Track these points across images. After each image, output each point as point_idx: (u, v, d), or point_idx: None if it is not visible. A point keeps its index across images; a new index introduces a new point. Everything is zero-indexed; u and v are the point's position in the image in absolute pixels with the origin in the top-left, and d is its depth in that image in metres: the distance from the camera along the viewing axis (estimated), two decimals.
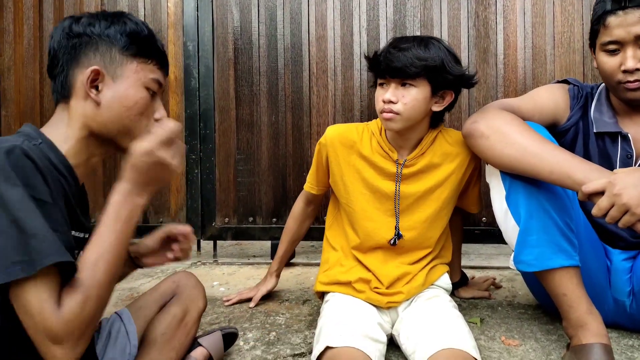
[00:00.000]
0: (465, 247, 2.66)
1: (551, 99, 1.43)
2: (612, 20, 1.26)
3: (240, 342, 1.47)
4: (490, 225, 2.11)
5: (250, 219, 2.32)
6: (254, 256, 2.56)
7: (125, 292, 1.94)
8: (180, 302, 1.24)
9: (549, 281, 1.27)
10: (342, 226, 1.54)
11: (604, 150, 1.39)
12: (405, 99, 1.32)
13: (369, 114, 2.20)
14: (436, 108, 1.38)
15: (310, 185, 1.65)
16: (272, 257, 2.00)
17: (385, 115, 1.34)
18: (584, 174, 1.11)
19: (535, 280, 1.40)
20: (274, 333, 1.53)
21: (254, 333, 1.53)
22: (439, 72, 1.33)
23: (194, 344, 1.30)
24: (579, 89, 1.44)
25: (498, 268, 2.14)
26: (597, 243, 1.41)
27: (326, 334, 1.24)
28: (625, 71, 1.27)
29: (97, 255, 0.86)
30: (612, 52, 1.29)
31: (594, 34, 1.34)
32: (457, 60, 1.39)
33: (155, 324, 1.20)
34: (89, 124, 0.99)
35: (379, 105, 1.37)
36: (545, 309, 1.64)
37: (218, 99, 2.33)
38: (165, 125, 0.94)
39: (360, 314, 1.32)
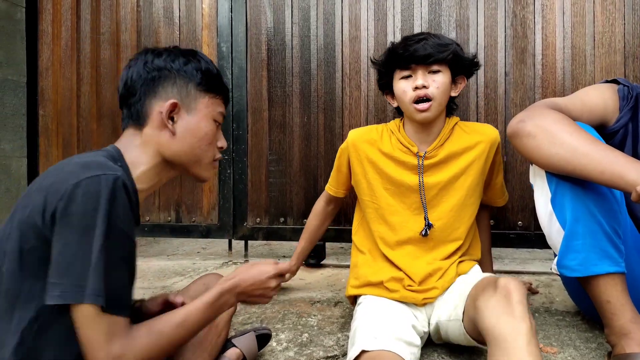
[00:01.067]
0: (499, 251, 2.63)
1: (600, 98, 1.38)
2: None
3: (273, 342, 1.47)
4: (526, 229, 2.07)
5: (282, 219, 2.33)
6: (284, 257, 2.56)
7: (157, 290, 1.97)
8: None
9: (592, 287, 1.22)
10: (369, 228, 1.54)
11: None
12: (436, 83, 1.41)
13: None
14: (454, 93, 1.51)
15: (330, 187, 1.70)
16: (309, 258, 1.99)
17: (421, 106, 1.41)
18: (638, 173, 1.07)
19: (577, 286, 1.36)
20: (306, 335, 1.52)
21: (287, 334, 1.53)
22: (458, 58, 1.46)
23: (227, 344, 1.31)
24: (629, 89, 1.39)
25: (534, 273, 2.09)
26: None
27: (361, 337, 1.23)
28: None
29: (172, 325, 0.96)
30: None
31: None
32: (463, 51, 1.54)
33: None
34: (162, 151, 1.07)
35: (409, 95, 1.42)
36: (585, 315, 1.59)
37: (251, 99, 2.34)
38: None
39: (394, 316, 1.31)
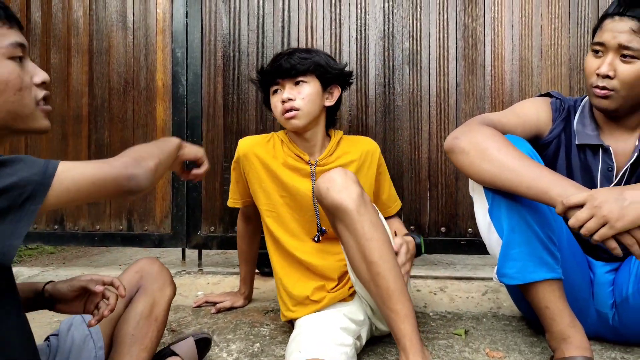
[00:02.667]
0: (451, 257, 2.68)
1: (534, 111, 1.44)
2: (606, 22, 1.29)
3: (223, 353, 1.45)
4: (476, 236, 2.11)
5: (237, 228, 2.30)
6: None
7: None
8: (147, 295, 1.19)
9: (531, 294, 1.26)
10: (277, 241, 1.56)
11: (585, 162, 1.39)
12: (301, 94, 1.50)
13: (358, 123, 2.20)
14: (328, 103, 1.58)
15: (232, 201, 1.72)
16: (257, 267, 1.98)
17: (287, 115, 1.50)
18: (561, 189, 1.11)
19: (519, 293, 1.40)
20: (257, 345, 1.51)
21: (238, 344, 1.51)
22: (324, 68, 1.53)
23: (166, 351, 1.27)
24: (561, 102, 1.46)
25: (483, 279, 2.14)
26: (580, 256, 1.42)
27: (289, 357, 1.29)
28: (598, 75, 1.29)
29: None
30: (597, 54, 1.31)
31: (594, 33, 1.36)
32: (336, 61, 1.62)
33: (122, 325, 1.15)
34: None
35: (278, 108, 1.52)
36: (529, 321, 1.64)
37: (206, 106, 2.32)
38: None
39: (322, 327, 1.35)
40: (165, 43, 2.37)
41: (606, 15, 1.30)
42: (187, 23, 2.32)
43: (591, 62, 1.32)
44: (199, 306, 1.84)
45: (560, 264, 1.25)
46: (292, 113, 1.49)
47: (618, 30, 1.25)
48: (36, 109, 0.91)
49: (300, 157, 1.57)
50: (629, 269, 1.37)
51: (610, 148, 1.36)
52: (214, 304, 1.82)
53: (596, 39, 1.32)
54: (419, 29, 2.17)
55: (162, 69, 2.37)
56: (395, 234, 1.50)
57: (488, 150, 1.22)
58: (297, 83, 1.51)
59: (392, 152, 2.17)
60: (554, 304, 1.24)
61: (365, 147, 1.63)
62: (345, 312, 1.41)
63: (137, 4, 2.39)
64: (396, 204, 1.73)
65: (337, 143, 1.62)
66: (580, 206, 1.08)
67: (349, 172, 1.29)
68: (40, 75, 0.92)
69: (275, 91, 1.55)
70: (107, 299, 1.04)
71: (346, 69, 1.61)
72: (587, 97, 1.45)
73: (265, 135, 1.63)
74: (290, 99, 1.49)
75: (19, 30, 0.90)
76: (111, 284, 1.05)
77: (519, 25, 2.11)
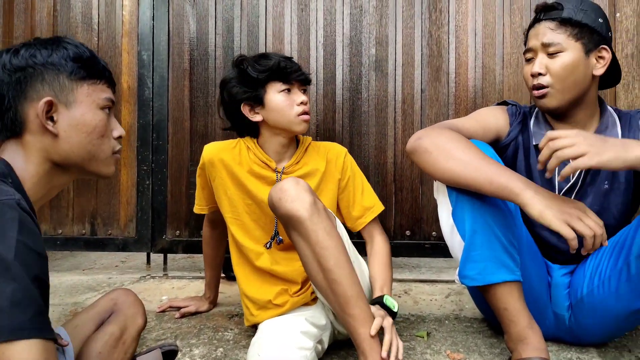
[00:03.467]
0: (417, 260, 2.71)
1: (492, 117, 1.49)
2: (530, 32, 1.42)
3: (186, 358, 1.44)
4: (440, 240, 2.15)
5: (202, 233, 2.28)
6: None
7: (68, 307, 1.88)
8: (118, 320, 1.21)
9: (491, 295, 1.29)
10: (240, 250, 1.57)
11: None
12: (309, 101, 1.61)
13: (325, 128, 2.21)
14: None
15: (199, 207, 1.71)
16: (223, 271, 1.97)
17: (305, 117, 1.55)
18: (521, 183, 1.15)
19: (480, 295, 1.44)
20: (221, 349, 1.50)
21: (201, 349, 1.50)
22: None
23: None
24: (516, 107, 1.52)
25: (447, 281, 2.18)
26: (539, 259, 1.46)
27: None
28: (532, 76, 1.39)
29: None
30: (528, 61, 1.42)
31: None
32: None
33: (91, 343, 1.16)
34: (50, 157, 0.97)
35: (293, 109, 1.54)
36: (490, 322, 1.67)
37: (172, 109, 2.30)
38: None
39: (283, 330, 1.36)
40: (131, 45, 2.34)
41: (529, 29, 1.44)
42: (153, 26, 2.31)
43: (526, 70, 1.42)
44: (163, 311, 1.82)
45: (519, 266, 1.29)
46: (308, 116, 1.56)
47: (540, 32, 1.37)
48: (111, 157, 1.05)
49: (266, 163, 1.57)
50: (583, 271, 1.42)
51: None
52: (179, 308, 1.80)
53: (525, 48, 1.43)
54: (385, 36, 2.20)
55: (127, 71, 2.34)
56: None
57: (452, 149, 1.25)
58: (303, 90, 1.58)
59: (359, 157, 2.19)
60: (512, 306, 1.27)
61: (332, 154, 1.65)
62: (307, 317, 1.41)
63: (103, 5, 2.36)
64: (373, 209, 1.66)
65: (305, 150, 1.63)
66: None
67: (301, 181, 1.29)
68: (119, 130, 1.07)
69: (288, 90, 1.55)
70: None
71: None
72: None
73: (231, 140, 1.62)
74: (306, 103, 1.56)
75: (113, 90, 1.07)
76: None
77: (482, 34, 2.16)
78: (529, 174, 1.46)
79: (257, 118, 1.57)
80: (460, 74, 2.17)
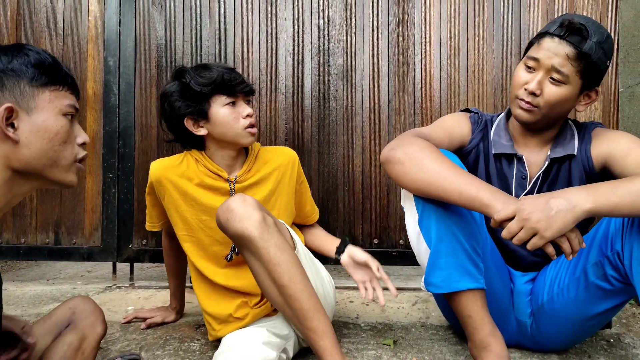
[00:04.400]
0: (386, 268, 2.71)
1: (456, 125, 1.53)
2: (546, 41, 1.33)
3: None
4: (407, 248, 2.18)
5: (162, 243, 2.26)
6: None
7: (31, 318, 1.83)
8: (77, 329, 1.19)
9: (456, 303, 1.32)
10: (196, 268, 1.56)
11: (501, 170, 1.49)
12: (254, 112, 1.57)
13: (293, 137, 2.22)
14: None
15: (150, 225, 1.70)
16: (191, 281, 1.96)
17: (252, 130, 1.53)
18: (489, 195, 1.18)
19: (446, 302, 1.46)
20: None
21: None
22: None
23: None
24: (478, 115, 1.56)
25: (414, 289, 2.21)
26: (502, 266, 1.50)
27: None
28: (525, 90, 1.35)
29: None
30: (529, 69, 1.36)
31: (529, 46, 1.41)
32: None
33: (48, 355, 1.13)
34: (11, 164, 0.96)
35: (239, 122, 1.52)
36: (455, 330, 1.70)
37: (139, 116, 2.27)
38: None
39: (245, 343, 1.36)
40: (97, 51, 2.31)
41: (546, 34, 1.35)
42: (120, 31, 2.28)
43: (522, 74, 1.37)
44: (129, 322, 1.79)
45: (483, 274, 1.32)
46: (255, 129, 1.54)
47: (555, 51, 1.30)
48: (72, 165, 1.03)
49: (218, 174, 1.54)
50: (544, 278, 1.47)
51: (523, 157, 1.46)
52: (145, 319, 1.78)
53: (532, 53, 1.36)
54: (353, 46, 2.22)
55: (93, 77, 2.31)
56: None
57: (422, 160, 1.27)
58: (248, 101, 1.56)
59: (327, 165, 2.21)
60: (476, 313, 1.30)
61: (284, 158, 1.64)
62: (268, 327, 1.42)
63: (68, 10, 2.32)
64: (317, 211, 1.80)
65: (255, 157, 1.61)
66: (511, 218, 1.14)
67: (248, 198, 1.27)
68: (83, 137, 1.05)
69: (232, 103, 1.51)
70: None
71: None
72: (502, 114, 1.54)
73: (177, 156, 1.58)
74: (252, 115, 1.54)
75: (77, 97, 1.06)
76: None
77: (447, 46, 2.21)
78: (488, 181, 1.50)
79: (201, 132, 1.52)
80: (426, 84, 2.21)
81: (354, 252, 1.63)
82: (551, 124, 1.43)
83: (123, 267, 2.42)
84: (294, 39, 2.24)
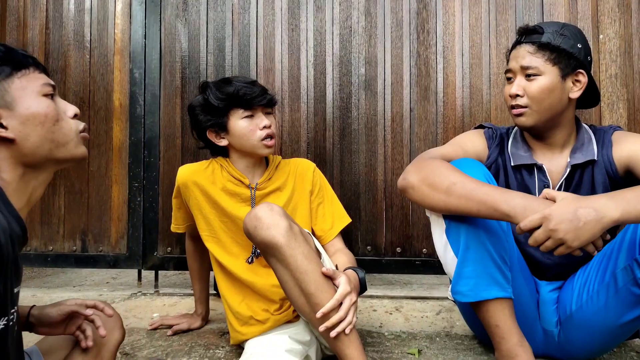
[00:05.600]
0: (408, 277, 2.73)
1: (471, 141, 1.55)
2: (512, 53, 1.48)
3: None
4: (430, 257, 2.17)
5: (185, 247, 2.29)
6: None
7: None
8: (95, 336, 1.18)
9: (483, 312, 1.31)
10: (221, 267, 1.60)
11: (523, 182, 1.49)
12: (274, 124, 1.62)
13: (315, 146, 2.24)
14: None
15: (175, 226, 1.77)
16: (215, 288, 1.98)
17: (269, 142, 1.58)
18: (508, 204, 1.18)
19: (471, 311, 1.46)
20: None
21: None
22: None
23: None
24: (492, 130, 1.58)
25: (438, 298, 2.19)
26: (529, 276, 1.49)
27: None
28: (511, 96, 1.44)
29: None
30: (509, 81, 1.47)
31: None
32: None
33: None
34: (19, 161, 0.96)
35: (256, 133, 1.57)
36: (480, 339, 1.69)
37: (164, 127, 2.32)
38: None
39: (268, 350, 1.38)
40: (123, 63, 2.36)
41: (511, 49, 1.49)
42: (145, 44, 2.33)
43: (506, 89, 1.48)
44: (155, 329, 1.82)
45: (511, 283, 1.31)
46: (273, 141, 1.59)
47: (520, 55, 1.43)
48: (76, 137, 1.03)
49: (240, 180, 1.61)
50: (571, 287, 1.45)
51: (543, 166, 1.46)
52: (170, 326, 1.80)
53: (506, 69, 1.48)
54: (374, 56, 2.24)
55: (119, 89, 2.36)
56: (337, 268, 1.47)
57: (435, 182, 1.28)
58: (268, 113, 1.61)
59: (349, 174, 2.22)
60: (503, 323, 1.29)
61: (300, 168, 1.70)
62: (290, 334, 1.43)
63: (95, 24, 2.38)
64: (339, 224, 1.69)
65: (276, 167, 1.68)
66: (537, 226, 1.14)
67: (275, 206, 1.30)
68: (72, 109, 1.04)
69: (250, 116, 1.57)
70: (92, 321, 1.13)
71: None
72: None
73: (204, 162, 1.67)
74: (270, 126, 1.59)
75: (46, 74, 1.03)
76: (94, 307, 1.15)
77: (469, 55, 2.21)
78: None
79: (223, 143, 1.61)
80: (448, 93, 2.21)
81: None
82: (557, 123, 1.44)
83: (147, 274, 2.46)
84: (315, 49, 2.26)
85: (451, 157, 1.43)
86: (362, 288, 1.39)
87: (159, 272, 2.37)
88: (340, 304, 1.24)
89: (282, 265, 1.27)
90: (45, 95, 0.99)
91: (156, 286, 2.37)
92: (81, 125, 1.04)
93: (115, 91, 2.36)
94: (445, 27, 2.22)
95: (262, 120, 1.58)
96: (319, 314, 1.22)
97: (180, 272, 2.82)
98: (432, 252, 2.18)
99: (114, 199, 2.34)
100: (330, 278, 1.28)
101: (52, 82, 1.02)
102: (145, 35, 2.33)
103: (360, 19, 2.25)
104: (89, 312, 1.11)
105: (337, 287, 1.27)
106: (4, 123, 0.93)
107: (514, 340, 1.29)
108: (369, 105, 2.23)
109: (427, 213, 1.45)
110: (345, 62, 2.25)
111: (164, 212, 2.29)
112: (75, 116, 1.04)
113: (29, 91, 0.97)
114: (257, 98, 1.56)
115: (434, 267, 2.17)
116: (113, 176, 2.33)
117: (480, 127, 1.61)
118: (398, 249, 2.20)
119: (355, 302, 1.28)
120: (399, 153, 2.21)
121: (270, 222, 1.26)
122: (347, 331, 1.23)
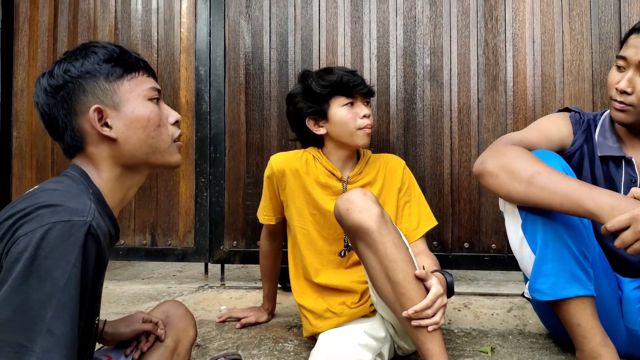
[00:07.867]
0: (474, 273, 2.66)
1: (554, 126, 1.45)
2: (632, 38, 1.31)
3: None
4: (500, 252, 2.10)
5: (260, 246, 2.31)
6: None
7: None
8: (171, 333, 1.24)
9: (563, 311, 1.25)
10: (300, 261, 1.60)
11: (609, 174, 1.40)
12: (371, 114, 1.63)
13: (379, 139, 2.21)
14: None
15: (267, 217, 1.72)
16: (280, 282, 1.99)
17: (368, 130, 1.58)
18: (594, 201, 1.11)
19: (548, 310, 1.39)
20: None
21: None
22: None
23: None
24: (579, 115, 1.47)
25: (507, 295, 2.12)
26: (610, 272, 1.41)
27: None
28: (617, 89, 1.32)
29: None
30: (619, 68, 1.33)
31: (621, 45, 1.37)
32: None
33: (147, 356, 1.19)
34: (117, 161, 0.99)
35: (356, 122, 1.57)
36: (556, 339, 1.62)
37: (229, 123, 2.35)
38: None
39: (342, 342, 1.37)
40: (189, 61, 2.41)
41: (633, 30, 1.32)
42: (210, 42, 2.37)
43: (613, 75, 1.35)
44: (223, 321, 1.85)
45: (592, 281, 1.24)
46: (370, 130, 1.60)
47: None
48: (172, 145, 1.04)
49: (333, 173, 1.60)
50: None
51: (632, 160, 1.36)
52: (238, 319, 1.83)
53: (621, 53, 1.33)
54: (440, 46, 2.18)
55: (185, 86, 2.41)
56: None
57: (516, 170, 1.22)
58: (367, 103, 1.63)
59: (414, 168, 2.18)
60: (586, 322, 1.23)
61: (390, 164, 1.67)
62: (365, 329, 1.41)
63: (162, 23, 2.45)
64: (425, 225, 1.63)
65: (366, 162, 1.67)
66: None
67: (368, 192, 1.29)
68: (174, 115, 1.06)
69: (351, 104, 1.58)
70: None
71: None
72: (607, 111, 1.45)
73: (296, 151, 1.66)
74: (369, 116, 1.60)
75: (154, 78, 1.05)
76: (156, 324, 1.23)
77: (541, 42, 2.11)
78: (594, 184, 1.41)
79: (321, 131, 1.61)
80: (518, 82, 2.12)
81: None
82: None
83: (212, 268, 2.51)
84: (379, 41, 2.23)
85: (532, 143, 1.36)
86: (449, 292, 1.34)
87: (225, 265, 2.42)
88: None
89: (370, 250, 1.25)
90: (151, 99, 1.01)
91: (222, 279, 2.42)
92: (177, 132, 1.06)
93: (182, 89, 2.42)
94: (515, 14, 2.13)
95: (362, 109, 1.58)
96: (410, 311, 1.19)
97: (243, 265, 2.86)
98: (502, 248, 2.10)
99: (181, 194, 2.40)
100: (421, 280, 1.25)
101: (159, 87, 1.04)
102: (209, 32, 2.37)
103: (425, 8, 2.20)
104: (160, 332, 1.20)
105: (428, 288, 1.24)
106: (109, 122, 0.97)
107: (597, 339, 1.22)
108: (434, 97, 2.18)
109: (501, 207, 1.39)
110: (410, 53, 2.21)
111: (230, 207, 2.33)
112: (175, 122, 1.06)
113: (135, 94, 0.99)
114: (359, 86, 1.57)
115: (504, 263, 2.09)
116: (180, 172, 2.39)
117: (567, 110, 1.52)
118: (466, 244, 2.14)
119: (445, 305, 1.25)
120: (467, 145, 2.14)
121: (363, 206, 1.25)
122: (430, 329, 1.20)
